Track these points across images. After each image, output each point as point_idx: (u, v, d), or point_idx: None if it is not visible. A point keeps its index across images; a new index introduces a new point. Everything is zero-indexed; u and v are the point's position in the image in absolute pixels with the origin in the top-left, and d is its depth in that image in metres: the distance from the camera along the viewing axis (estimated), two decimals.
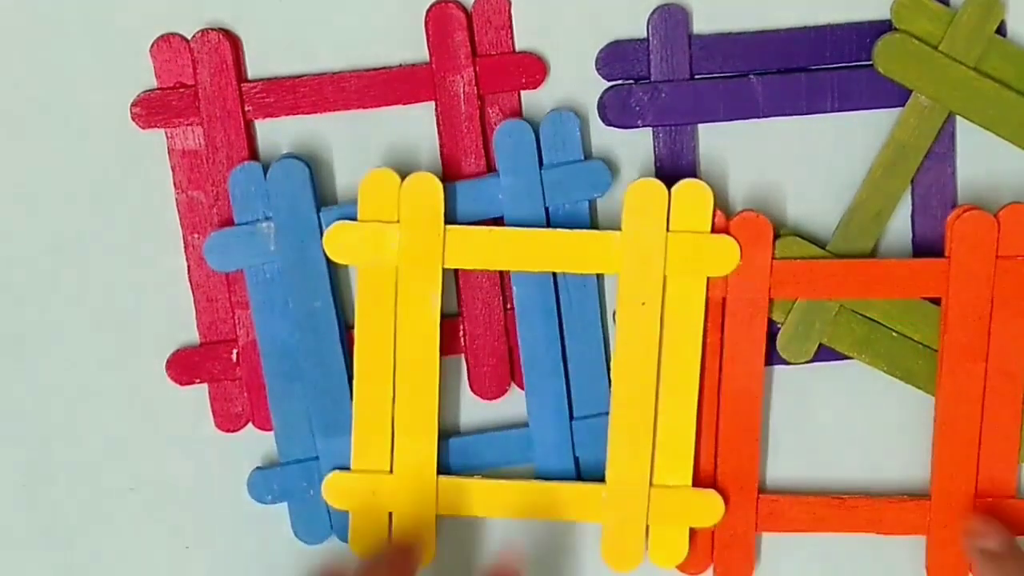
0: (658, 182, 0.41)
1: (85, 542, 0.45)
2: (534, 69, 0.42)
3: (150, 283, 0.44)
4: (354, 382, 0.42)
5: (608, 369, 0.43)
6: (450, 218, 0.42)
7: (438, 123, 0.42)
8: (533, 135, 0.42)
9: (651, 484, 0.43)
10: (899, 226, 0.44)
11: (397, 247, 0.41)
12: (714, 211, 0.42)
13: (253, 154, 0.43)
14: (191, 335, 0.44)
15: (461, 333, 0.43)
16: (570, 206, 0.42)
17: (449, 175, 0.43)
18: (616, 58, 0.43)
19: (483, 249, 0.41)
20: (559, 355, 0.43)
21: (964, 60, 0.42)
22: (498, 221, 0.42)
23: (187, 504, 0.45)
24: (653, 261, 0.41)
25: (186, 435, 0.44)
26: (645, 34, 0.42)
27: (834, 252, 0.43)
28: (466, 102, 0.42)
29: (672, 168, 0.43)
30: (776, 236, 0.43)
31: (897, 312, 0.43)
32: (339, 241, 0.41)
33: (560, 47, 0.43)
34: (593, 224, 0.43)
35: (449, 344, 0.43)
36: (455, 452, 0.44)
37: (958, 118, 0.43)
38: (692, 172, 0.43)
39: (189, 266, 0.43)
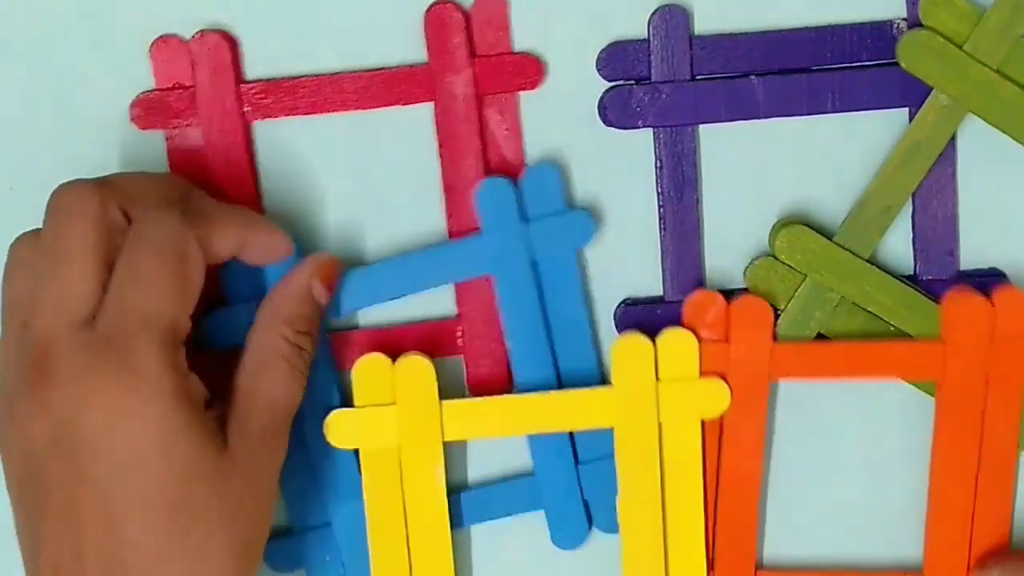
0: (642, 337, 0.42)
1: None
2: (532, 70, 0.42)
3: None
4: (370, 561, 0.43)
5: None
6: (435, 281, 0.42)
7: (437, 124, 0.42)
8: (512, 190, 0.42)
9: None
10: (898, 227, 0.43)
11: (396, 428, 0.42)
12: (714, 298, 0.42)
13: (251, 155, 0.43)
14: None
15: (459, 334, 0.43)
16: (558, 257, 0.42)
17: (448, 176, 0.43)
18: (617, 58, 0.42)
19: (481, 419, 0.42)
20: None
21: (987, 61, 0.42)
22: (486, 280, 0.43)
23: None
24: (646, 412, 0.42)
25: None
26: (646, 34, 0.42)
27: (841, 244, 0.43)
28: (464, 103, 0.42)
29: (672, 169, 0.43)
30: (781, 226, 0.43)
31: (898, 308, 0.43)
32: (339, 428, 0.42)
33: (560, 48, 0.43)
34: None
35: (448, 345, 0.43)
36: (466, 505, 0.44)
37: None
38: (693, 173, 0.43)
39: None
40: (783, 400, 0.45)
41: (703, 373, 0.43)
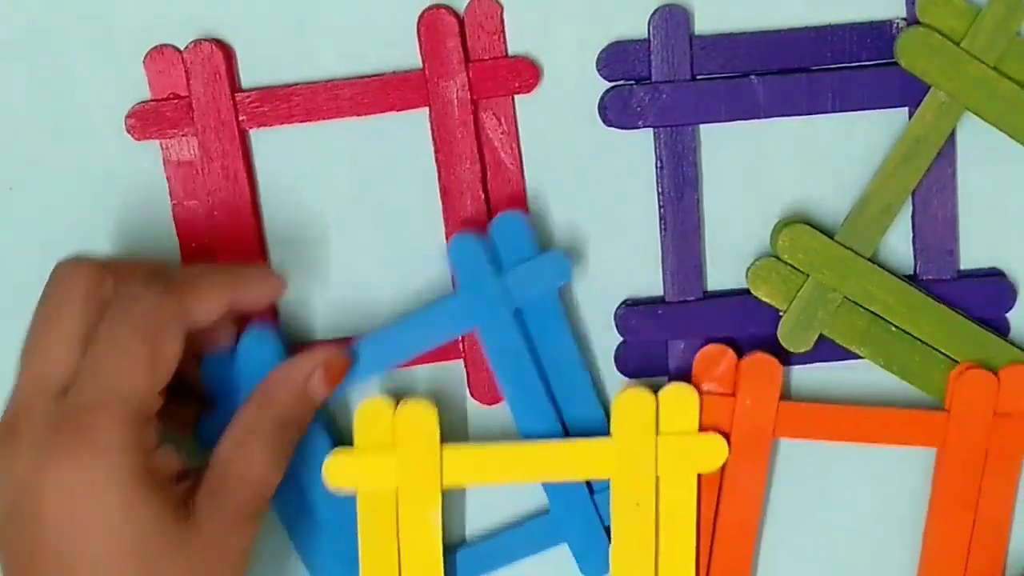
0: (645, 391, 0.42)
1: None
2: (527, 73, 0.42)
3: None
4: None
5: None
6: (419, 349, 0.42)
7: (432, 129, 0.42)
8: (482, 244, 0.42)
9: None
10: (899, 227, 0.43)
11: (395, 472, 0.42)
12: (725, 352, 0.43)
13: (248, 164, 0.42)
14: None
15: (459, 339, 0.43)
16: (539, 301, 0.42)
17: (444, 181, 0.43)
18: (617, 58, 0.42)
19: (480, 466, 0.42)
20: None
21: (984, 58, 0.42)
22: (471, 336, 0.43)
23: None
24: (644, 465, 0.43)
25: None
26: (646, 34, 0.42)
27: (842, 243, 0.43)
28: (459, 108, 0.42)
29: (673, 169, 0.43)
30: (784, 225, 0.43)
31: (900, 307, 0.43)
32: (338, 469, 0.42)
33: (560, 48, 0.42)
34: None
35: (448, 350, 0.43)
36: (478, 558, 0.44)
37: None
38: (693, 173, 0.43)
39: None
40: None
41: (708, 425, 0.43)
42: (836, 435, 0.44)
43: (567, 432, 0.43)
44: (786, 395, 0.45)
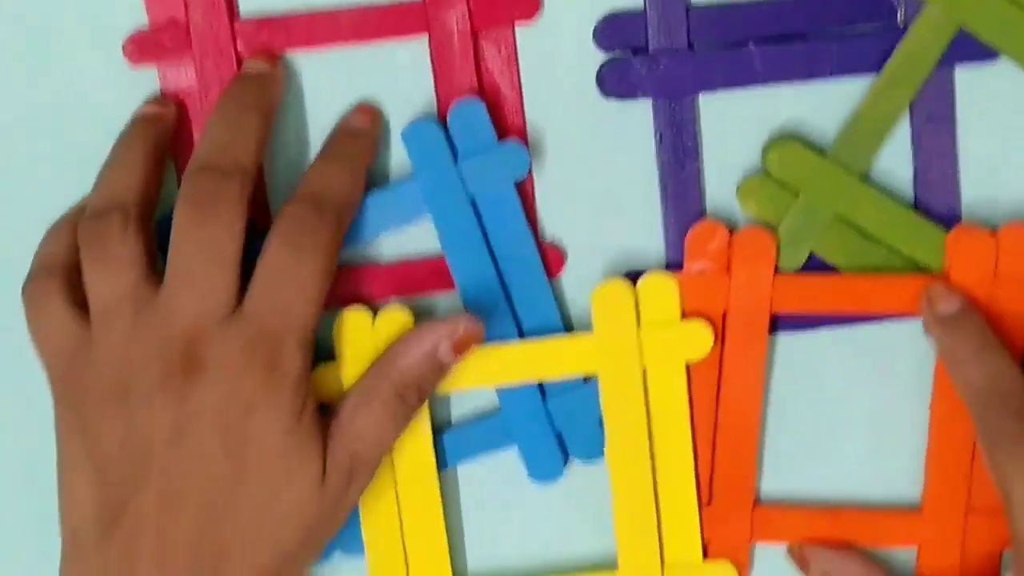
0: (623, 283, 0.42)
1: None
2: (527, 1, 0.42)
3: None
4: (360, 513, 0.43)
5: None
6: (373, 233, 0.42)
7: (432, 59, 0.42)
8: (441, 130, 0.41)
9: (663, 564, 0.43)
10: (900, 189, 0.43)
11: None
12: (717, 228, 0.42)
13: None
14: None
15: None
16: (496, 194, 0.42)
17: (444, 110, 0.42)
18: (614, 29, 0.42)
19: (462, 370, 0.42)
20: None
21: None
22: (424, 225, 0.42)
23: None
24: (629, 357, 0.42)
25: None
26: (643, 5, 0.42)
27: (835, 160, 0.42)
28: (459, 38, 0.42)
29: (672, 139, 0.43)
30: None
31: (891, 225, 0.43)
32: (321, 381, 0.41)
33: (558, 18, 0.42)
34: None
35: (442, 279, 0.43)
36: (449, 446, 0.44)
37: (957, 81, 0.42)
38: (693, 143, 0.43)
39: None
40: (784, 347, 0.44)
41: (703, 305, 0.42)
42: (834, 305, 0.43)
43: (520, 329, 0.43)
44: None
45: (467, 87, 0.42)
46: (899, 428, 0.44)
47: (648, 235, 0.43)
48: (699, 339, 0.42)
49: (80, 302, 0.38)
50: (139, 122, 0.41)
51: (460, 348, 0.40)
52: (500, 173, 0.42)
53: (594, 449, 0.43)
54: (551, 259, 0.43)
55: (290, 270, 0.37)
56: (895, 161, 0.43)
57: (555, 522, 0.45)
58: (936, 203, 0.43)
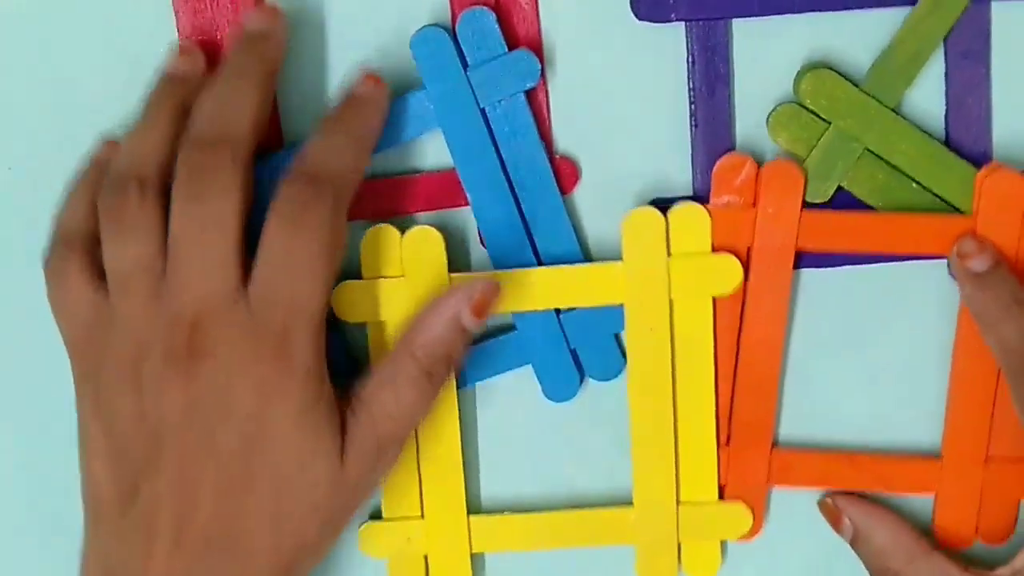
0: (654, 210, 0.41)
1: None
2: None
3: None
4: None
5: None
6: (383, 146, 0.41)
7: None
8: (450, 37, 0.41)
9: (678, 502, 0.43)
10: (932, 125, 0.42)
11: (405, 301, 0.41)
12: (745, 161, 0.41)
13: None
14: None
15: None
16: (506, 102, 0.41)
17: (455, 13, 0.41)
18: None
19: None
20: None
21: None
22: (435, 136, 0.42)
23: None
24: (657, 288, 0.42)
25: None
26: None
27: (868, 91, 0.42)
28: None
29: (704, 64, 0.42)
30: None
31: (922, 161, 0.42)
32: (346, 299, 0.41)
33: None
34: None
35: (454, 196, 0.42)
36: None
37: (993, 18, 0.41)
38: (725, 68, 0.42)
39: None
40: (807, 285, 0.44)
41: (729, 239, 0.42)
42: (861, 244, 0.42)
43: (533, 244, 0.42)
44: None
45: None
46: (921, 373, 0.44)
47: (673, 161, 0.43)
48: (729, 273, 0.42)
49: (101, 273, 0.38)
50: (164, 82, 0.40)
51: (481, 311, 0.39)
52: (510, 81, 0.41)
53: (610, 369, 0.43)
54: (565, 173, 0.42)
55: (292, 251, 0.36)
56: (927, 97, 0.42)
57: (571, 443, 0.44)
58: (967, 140, 0.42)
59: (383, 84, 0.40)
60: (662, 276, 0.41)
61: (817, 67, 0.42)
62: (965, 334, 0.42)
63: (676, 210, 0.41)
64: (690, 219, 0.41)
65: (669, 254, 0.41)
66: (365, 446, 0.38)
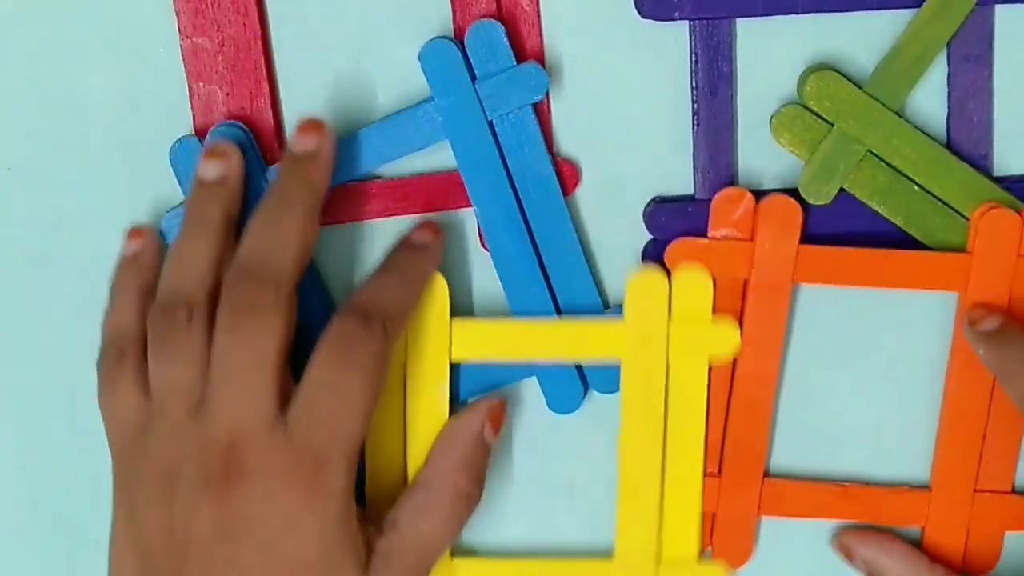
0: (660, 272, 0.42)
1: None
2: None
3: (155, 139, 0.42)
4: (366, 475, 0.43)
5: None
6: (390, 157, 0.42)
7: None
8: (458, 50, 0.41)
9: (659, 559, 0.43)
10: (934, 127, 0.42)
11: (404, 343, 0.42)
12: (743, 194, 0.41)
13: (261, 9, 0.41)
14: None
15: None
16: (513, 115, 0.41)
17: (459, 22, 0.41)
18: None
19: (489, 342, 0.42)
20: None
21: None
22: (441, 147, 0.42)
23: None
24: (656, 348, 0.42)
25: None
26: None
27: (871, 94, 0.42)
28: None
29: (708, 63, 0.42)
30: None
31: (924, 164, 0.42)
32: None
33: None
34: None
35: (456, 198, 0.42)
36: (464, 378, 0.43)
37: (996, 22, 0.41)
38: (728, 68, 0.42)
39: (194, 115, 0.42)
40: (800, 302, 0.44)
41: (726, 272, 0.42)
42: (857, 279, 0.42)
43: (536, 251, 0.42)
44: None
45: (484, 8, 0.41)
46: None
47: (675, 161, 0.43)
48: (727, 339, 0.42)
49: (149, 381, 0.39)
50: (205, 189, 0.40)
51: (497, 425, 0.41)
52: (518, 95, 0.41)
53: (614, 381, 0.43)
54: (566, 175, 0.42)
55: (336, 385, 0.37)
56: (929, 100, 0.42)
57: (575, 453, 0.45)
58: (968, 144, 0.42)
59: (441, 233, 0.41)
60: (661, 337, 0.42)
61: (821, 69, 0.42)
62: (957, 367, 0.43)
63: (680, 274, 0.42)
64: (693, 284, 0.42)
65: (670, 316, 0.42)
66: (395, 570, 0.38)
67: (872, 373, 0.44)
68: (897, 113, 0.42)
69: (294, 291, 0.38)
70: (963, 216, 0.42)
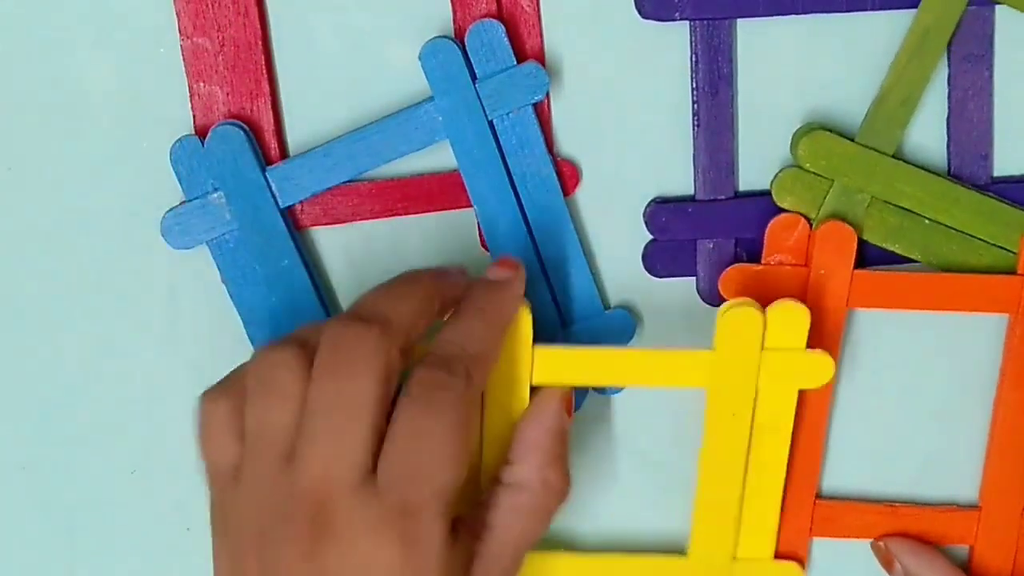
0: (755, 309, 0.40)
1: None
2: None
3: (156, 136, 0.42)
4: None
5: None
6: (391, 157, 0.41)
7: None
8: (459, 50, 0.41)
9: (734, 557, 0.44)
10: (934, 127, 0.42)
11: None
12: (798, 221, 0.42)
13: (261, 6, 0.41)
14: None
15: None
16: (514, 114, 0.41)
17: (459, 22, 0.41)
18: None
19: (571, 368, 0.41)
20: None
21: None
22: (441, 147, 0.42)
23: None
24: (746, 379, 0.41)
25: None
26: None
27: (864, 143, 0.42)
28: None
29: (708, 63, 0.42)
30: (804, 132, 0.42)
31: (930, 199, 0.42)
32: None
33: None
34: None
35: (456, 198, 0.42)
36: None
37: (997, 20, 0.41)
38: (729, 68, 0.42)
39: (194, 115, 0.42)
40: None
41: (780, 296, 0.41)
42: (910, 303, 0.43)
43: (534, 242, 0.42)
44: None
45: (484, 8, 0.41)
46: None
47: (675, 161, 0.43)
48: (821, 369, 0.41)
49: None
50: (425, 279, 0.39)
51: (570, 412, 0.41)
52: (518, 94, 0.41)
53: None
54: (566, 175, 0.42)
55: (423, 434, 0.35)
56: (930, 101, 0.42)
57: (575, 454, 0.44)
58: (969, 144, 0.42)
59: (521, 268, 0.40)
60: (752, 367, 0.41)
61: (812, 130, 0.42)
62: (1007, 387, 0.43)
63: (776, 307, 0.41)
64: (789, 316, 0.41)
65: (763, 347, 0.41)
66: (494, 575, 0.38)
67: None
68: (894, 153, 0.42)
69: (400, 345, 0.36)
70: (978, 239, 0.43)
